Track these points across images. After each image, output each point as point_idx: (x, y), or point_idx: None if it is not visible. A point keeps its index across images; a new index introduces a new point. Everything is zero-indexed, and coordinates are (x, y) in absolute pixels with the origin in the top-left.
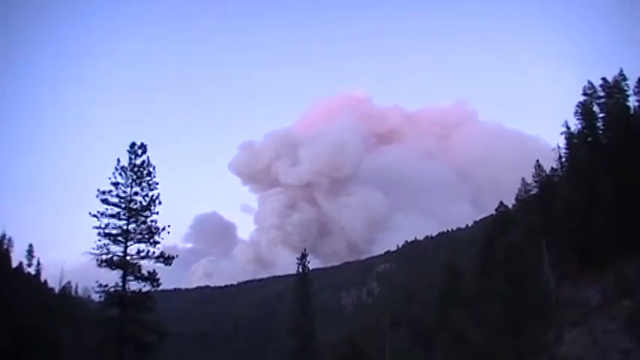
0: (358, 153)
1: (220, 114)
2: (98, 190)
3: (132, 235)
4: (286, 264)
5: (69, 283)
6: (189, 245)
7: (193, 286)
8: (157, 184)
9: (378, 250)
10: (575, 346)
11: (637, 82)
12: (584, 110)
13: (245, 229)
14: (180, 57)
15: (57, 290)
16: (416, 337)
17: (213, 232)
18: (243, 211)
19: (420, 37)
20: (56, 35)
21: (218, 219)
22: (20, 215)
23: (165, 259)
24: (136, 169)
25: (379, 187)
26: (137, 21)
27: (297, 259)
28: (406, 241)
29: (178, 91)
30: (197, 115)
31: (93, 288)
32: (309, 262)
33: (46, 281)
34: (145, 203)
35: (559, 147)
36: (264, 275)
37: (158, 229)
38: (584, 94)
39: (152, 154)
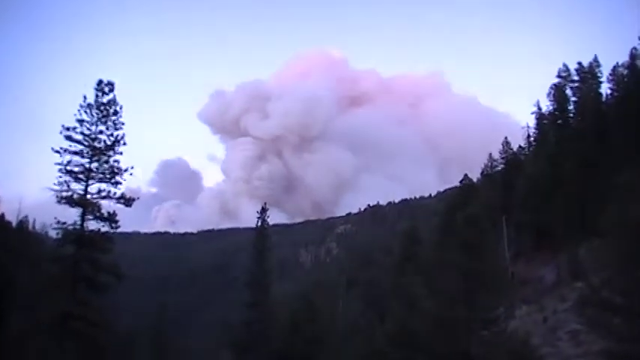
0: (329, 113)
1: (194, 61)
2: (62, 126)
3: (94, 174)
4: (249, 216)
5: (26, 217)
6: (153, 190)
7: (153, 230)
8: (123, 124)
9: (341, 211)
10: (525, 323)
11: (611, 70)
12: (557, 92)
13: (211, 178)
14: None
15: (14, 224)
16: (370, 300)
17: (178, 178)
18: (210, 160)
19: (402, 5)
20: None
21: (184, 165)
22: None
23: (126, 200)
24: (102, 107)
25: (347, 148)
26: None
27: (257, 212)
28: (369, 205)
29: (153, 33)
30: (171, 60)
31: (51, 225)
32: (269, 217)
33: (3, 214)
34: (109, 143)
35: (528, 126)
36: (226, 226)
37: (120, 169)
38: (559, 76)
39: (120, 95)
